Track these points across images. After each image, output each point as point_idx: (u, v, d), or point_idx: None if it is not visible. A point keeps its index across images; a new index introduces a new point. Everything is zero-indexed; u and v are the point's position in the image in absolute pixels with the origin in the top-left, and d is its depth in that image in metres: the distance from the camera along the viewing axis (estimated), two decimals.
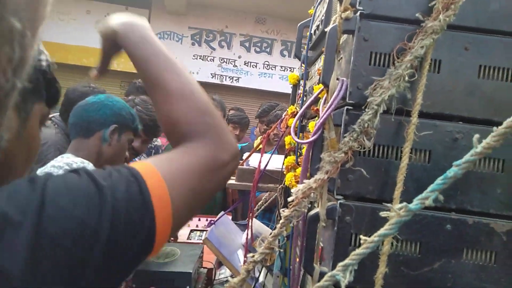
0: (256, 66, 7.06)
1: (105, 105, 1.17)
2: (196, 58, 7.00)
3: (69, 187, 0.30)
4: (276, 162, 1.21)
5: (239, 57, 7.06)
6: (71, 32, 6.51)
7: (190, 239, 1.91)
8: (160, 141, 2.45)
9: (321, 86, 0.67)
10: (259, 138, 2.82)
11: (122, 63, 6.70)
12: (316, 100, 0.70)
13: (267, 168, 1.17)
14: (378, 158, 0.64)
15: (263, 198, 1.95)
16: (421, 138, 0.63)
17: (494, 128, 0.38)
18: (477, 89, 0.65)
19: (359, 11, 0.62)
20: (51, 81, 0.35)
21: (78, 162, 1.06)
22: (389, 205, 0.42)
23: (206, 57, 7.02)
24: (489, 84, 0.64)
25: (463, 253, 0.64)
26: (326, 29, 0.65)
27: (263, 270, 1.21)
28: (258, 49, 7.08)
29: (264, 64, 7.05)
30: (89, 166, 1.08)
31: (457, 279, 0.64)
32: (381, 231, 0.42)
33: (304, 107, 0.67)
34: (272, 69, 7.04)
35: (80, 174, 0.32)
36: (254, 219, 1.60)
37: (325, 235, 0.68)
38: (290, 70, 6.97)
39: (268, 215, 2.30)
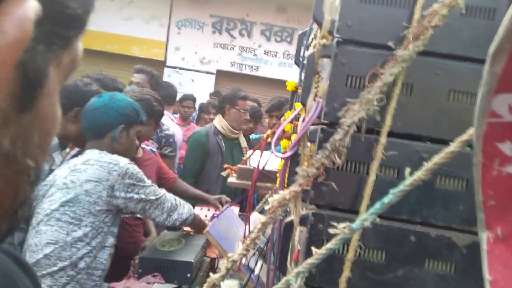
0: (276, 56, 7.07)
1: (110, 107, 1.31)
2: (217, 47, 7.07)
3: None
4: (275, 162, 1.27)
5: (259, 46, 7.08)
6: (96, 18, 6.70)
7: None
8: (172, 130, 2.56)
9: (300, 104, 0.73)
10: (268, 131, 2.89)
11: (144, 50, 6.84)
12: (297, 116, 0.76)
13: (267, 168, 1.24)
14: (350, 173, 0.70)
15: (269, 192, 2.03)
16: (390, 155, 0.68)
17: (424, 163, 0.44)
18: (446, 112, 0.69)
19: (336, 39, 0.68)
20: None
21: (115, 159, 1.26)
22: (335, 224, 0.48)
23: (226, 45, 7.07)
24: (458, 107, 0.69)
25: (425, 263, 0.70)
26: (306, 53, 0.70)
27: (259, 262, 1.30)
28: (278, 39, 7.07)
29: (284, 53, 7.05)
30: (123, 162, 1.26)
31: (419, 286, 0.70)
32: (328, 245, 0.49)
33: (283, 125, 0.74)
34: (292, 59, 7.03)
35: None
36: (256, 213, 1.68)
37: (301, 239, 0.75)
38: None
39: None
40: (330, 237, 0.71)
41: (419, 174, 0.43)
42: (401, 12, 0.68)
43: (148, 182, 1.36)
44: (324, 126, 0.69)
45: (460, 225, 0.69)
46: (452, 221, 0.69)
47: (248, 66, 7.12)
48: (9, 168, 0.20)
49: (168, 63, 7.04)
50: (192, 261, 1.29)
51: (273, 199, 0.68)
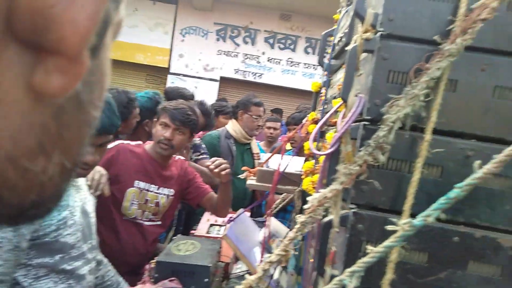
0: (279, 63, 7.08)
1: None
2: (221, 54, 7.08)
3: None
4: (296, 165, 1.25)
5: (263, 53, 7.09)
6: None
7: (209, 233, 1.98)
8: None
9: (340, 100, 0.71)
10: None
11: (148, 57, 6.85)
12: (335, 113, 0.74)
13: (287, 170, 1.22)
14: (392, 171, 0.68)
15: (281, 197, 2.00)
16: (434, 153, 0.66)
17: (494, 156, 0.42)
18: (492, 109, 0.67)
19: (380, 32, 0.66)
20: None
21: None
22: (394, 219, 0.46)
23: (230, 52, 7.08)
24: (504, 104, 0.67)
25: (469, 265, 0.67)
26: (347, 48, 0.69)
27: (278, 268, 1.27)
28: (282, 46, 7.09)
29: (287, 61, 7.06)
30: None
31: None
32: (386, 243, 0.46)
33: (322, 120, 0.72)
34: (295, 66, 7.05)
35: None
36: (272, 217, 1.65)
37: (338, 240, 0.72)
38: (313, 68, 6.96)
39: (282, 214, 2.37)
40: (370, 237, 0.69)
41: (490, 166, 0.41)
42: (445, 6, 0.66)
43: None
44: (366, 123, 0.67)
45: (506, 226, 0.67)
46: (498, 221, 0.67)
47: (252, 73, 7.13)
48: (77, 115, 0.18)
49: (171, 70, 7.04)
50: (209, 265, 1.26)
51: (313, 198, 0.65)
